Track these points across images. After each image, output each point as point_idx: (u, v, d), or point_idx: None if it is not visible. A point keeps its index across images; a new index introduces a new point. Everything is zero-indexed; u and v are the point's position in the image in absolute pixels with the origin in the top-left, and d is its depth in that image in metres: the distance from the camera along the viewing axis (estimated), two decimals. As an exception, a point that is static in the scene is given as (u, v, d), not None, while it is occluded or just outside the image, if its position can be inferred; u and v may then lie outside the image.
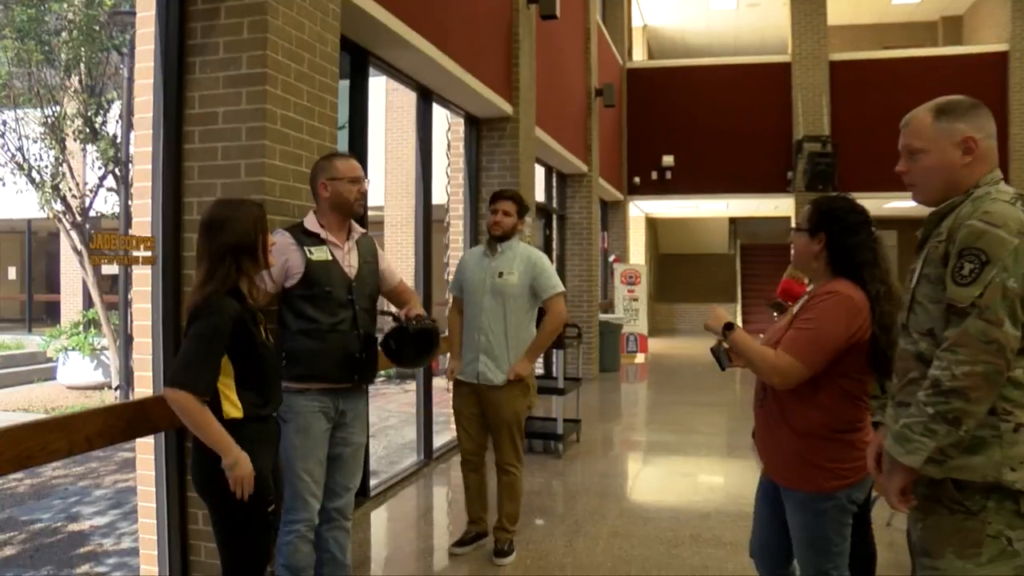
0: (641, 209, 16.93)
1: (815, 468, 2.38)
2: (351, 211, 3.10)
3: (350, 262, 3.10)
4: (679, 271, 21.29)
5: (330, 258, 3.03)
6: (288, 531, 2.96)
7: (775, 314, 5.74)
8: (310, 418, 2.97)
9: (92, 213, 11.32)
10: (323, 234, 3.05)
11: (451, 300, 4.37)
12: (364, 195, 3.15)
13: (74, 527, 5.22)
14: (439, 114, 6.60)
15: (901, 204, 15.48)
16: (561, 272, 10.94)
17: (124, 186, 10.31)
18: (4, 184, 11.12)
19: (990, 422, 1.71)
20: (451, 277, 4.29)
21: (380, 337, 3.23)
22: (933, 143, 1.86)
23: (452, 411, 4.35)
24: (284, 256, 2.94)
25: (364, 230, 3.27)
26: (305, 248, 2.98)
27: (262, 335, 2.53)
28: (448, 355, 4.26)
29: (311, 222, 3.06)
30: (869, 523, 3.17)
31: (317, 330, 2.96)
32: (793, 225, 2.58)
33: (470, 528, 4.28)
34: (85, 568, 4.46)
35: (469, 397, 4.11)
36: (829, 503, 2.39)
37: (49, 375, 12.13)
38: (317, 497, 3.01)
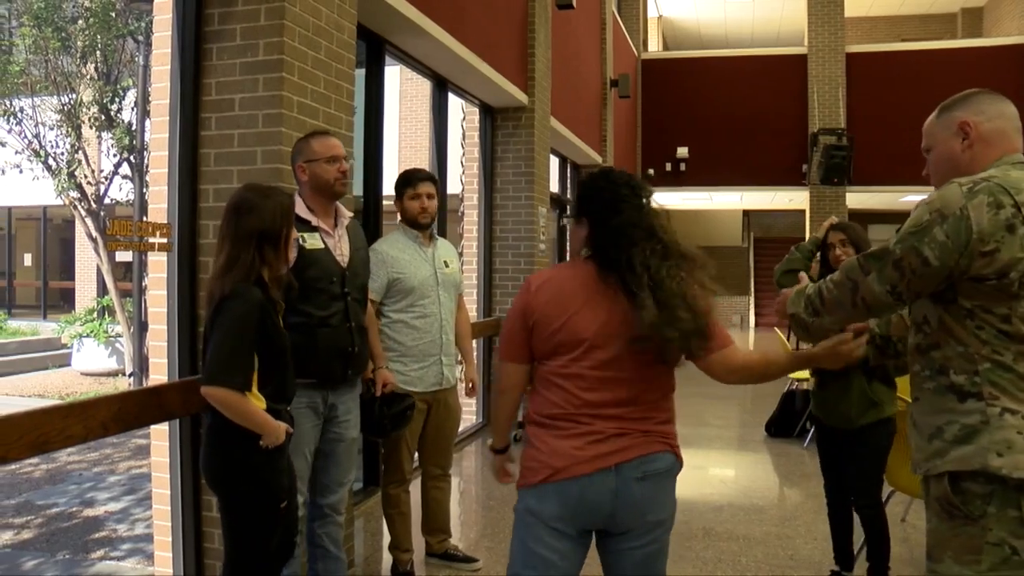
0: (655, 201, 16.85)
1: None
2: (333, 193, 2.89)
3: (342, 250, 2.92)
4: (692, 263, 21.18)
5: (322, 246, 2.84)
6: None
7: None
8: (297, 415, 2.80)
9: (107, 200, 11.38)
10: (314, 220, 2.85)
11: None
12: (345, 174, 2.90)
13: (89, 512, 5.26)
14: (454, 103, 6.58)
15: (917, 198, 15.35)
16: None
17: (139, 174, 10.36)
18: (21, 171, 11.20)
19: (978, 408, 1.68)
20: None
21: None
22: (936, 137, 1.90)
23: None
24: None
25: (351, 214, 3.07)
26: (299, 235, 2.74)
27: (281, 325, 2.48)
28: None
29: (299, 206, 2.81)
30: (882, 511, 3.17)
31: (306, 324, 2.76)
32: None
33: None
34: (100, 553, 4.49)
35: (422, 410, 3.51)
36: (519, 505, 2.06)
37: (64, 361, 12.22)
38: (301, 492, 2.89)
